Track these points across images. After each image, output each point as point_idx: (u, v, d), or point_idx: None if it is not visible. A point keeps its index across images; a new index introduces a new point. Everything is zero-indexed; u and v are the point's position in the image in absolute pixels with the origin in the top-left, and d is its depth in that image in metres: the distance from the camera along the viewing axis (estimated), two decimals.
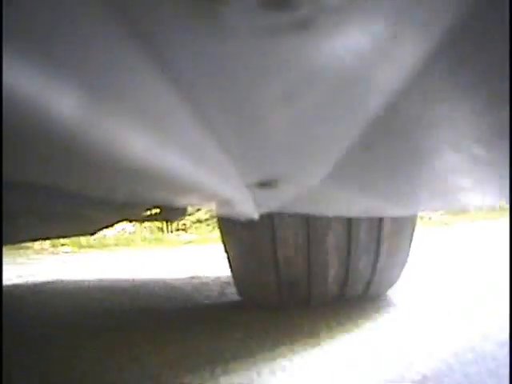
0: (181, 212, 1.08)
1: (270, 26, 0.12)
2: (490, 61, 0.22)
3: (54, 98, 0.09)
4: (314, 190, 0.49)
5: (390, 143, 0.37)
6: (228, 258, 1.14)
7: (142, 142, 0.13)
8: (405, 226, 0.99)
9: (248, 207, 0.38)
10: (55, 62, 0.09)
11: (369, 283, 1.02)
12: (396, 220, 0.96)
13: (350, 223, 0.93)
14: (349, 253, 0.95)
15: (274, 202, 0.53)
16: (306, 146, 0.30)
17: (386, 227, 0.95)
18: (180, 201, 0.23)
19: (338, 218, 0.92)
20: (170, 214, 1.08)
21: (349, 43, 0.16)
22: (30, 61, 0.08)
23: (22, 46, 0.08)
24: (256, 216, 0.45)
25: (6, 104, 0.08)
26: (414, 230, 1.04)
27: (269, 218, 0.95)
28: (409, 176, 0.50)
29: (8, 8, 0.08)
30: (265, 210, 0.56)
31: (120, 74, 0.12)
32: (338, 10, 0.13)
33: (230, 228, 1.09)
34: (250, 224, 0.95)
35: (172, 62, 0.15)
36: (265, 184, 0.38)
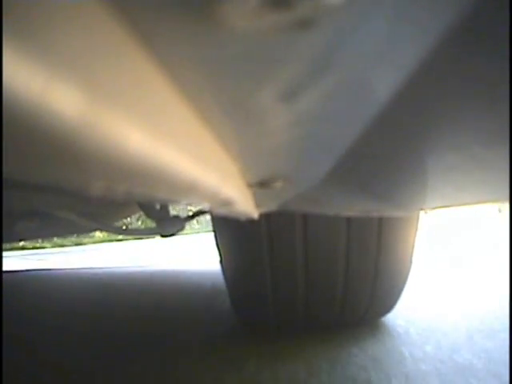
0: (176, 228, 1.06)
1: (270, 25, 0.12)
2: (490, 61, 0.22)
3: (54, 96, 0.09)
4: (313, 189, 0.49)
5: (389, 143, 0.37)
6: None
7: (141, 141, 0.13)
8: (403, 256, 0.98)
9: (248, 207, 0.38)
10: (55, 61, 0.09)
11: (367, 308, 1.00)
12: (394, 249, 0.95)
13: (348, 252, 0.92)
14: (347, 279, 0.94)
15: (274, 201, 0.53)
16: (306, 145, 0.30)
17: (384, 255, 0.94)
18: (179, 200, 0.23)
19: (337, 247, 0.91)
20: (165, 229, 1.06)
21: (349, 43, 0.16)
22: (30, 60, 0.08)
23: (21, 45, 0.08)
24: (256, 216, 0.45)
25: (6, 103, 0.08)
26: (411, 261, 1.01)
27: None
28: (408, 176, 0.50)
29: (8, 7, 0.08)
30: (265, 209, 0.56)
31: (120, 74, 0.12)
32: (339, 10, 0.13)
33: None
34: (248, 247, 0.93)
35: (172, 62, 0.15)
36: (265, 184, 0.38)
